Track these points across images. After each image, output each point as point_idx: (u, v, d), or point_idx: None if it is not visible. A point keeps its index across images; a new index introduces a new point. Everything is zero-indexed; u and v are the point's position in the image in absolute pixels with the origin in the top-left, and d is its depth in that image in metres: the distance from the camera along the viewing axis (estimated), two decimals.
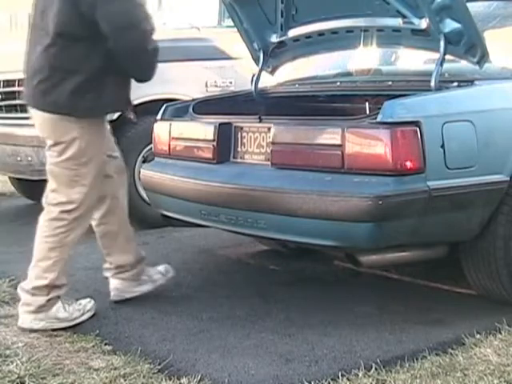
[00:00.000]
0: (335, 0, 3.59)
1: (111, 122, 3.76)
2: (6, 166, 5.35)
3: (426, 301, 3.42)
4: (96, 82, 3.07)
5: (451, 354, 2.79)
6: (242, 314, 3.30)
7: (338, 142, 2.98)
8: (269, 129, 3.30)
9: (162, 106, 3.93)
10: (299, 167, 3.14)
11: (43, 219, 3.19)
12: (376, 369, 2.66)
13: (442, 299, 3.44)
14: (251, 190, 3.21)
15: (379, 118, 2.92)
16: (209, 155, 3.53)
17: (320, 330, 3.09)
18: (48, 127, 3.18)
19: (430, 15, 3.22)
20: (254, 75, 4.11)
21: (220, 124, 3.52)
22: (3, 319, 3.25)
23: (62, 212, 3.14)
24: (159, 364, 2.74)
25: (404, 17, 3.37)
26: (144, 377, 2.64)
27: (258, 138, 3.40)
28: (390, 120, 2.91)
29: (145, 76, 3.21)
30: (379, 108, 2.97)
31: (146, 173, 3.89)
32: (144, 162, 4.75)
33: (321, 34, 3.82)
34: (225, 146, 3.50)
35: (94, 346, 2.93)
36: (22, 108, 5.14)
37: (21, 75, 5.07)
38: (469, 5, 3.24)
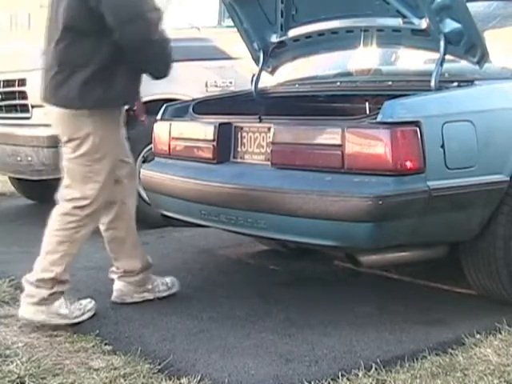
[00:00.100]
0: (335, 0, 3.60)
1: None
2: (5, 166, 5.35)
3: (426, 301, 3.42)
4: (105, 75, 3.08)
5: (451, 354, 2.79)
6: (242, 314, 3.30)
7: (338, 141, 2.98)
8: (269, 129, 3.30)
9: (161, 106, 3.93)
10: (299, 167, 3.14)
11: (56, 213, 3.21)
12: (376, 369, 2.66)
13: (442, 299, 3.44)
14: (251, 190, 3.22)
15: (379, 118, 2.92)
16: (209, 155, 3.53)
17: (320, 329, 3.09)
18: (62, 123, 3.21)
19: (430, 15, 3.22)
20: (253, 75, 4.11)
21: (220, 124, 3.52)
22: (3, 319, 3.25)
23: (75, 208, 3.16)
24: (159, 364, 2.74)
25: (404, 17, 3.37)
26: (144, 377, 2.64)
27: (258, 138, 3.40)
28: (390, 120, 2.91)
29: (158, 71, 3.20)
30: (379, 108, 2.97)
31: (146, 173, 3.89)
32: (144, 162, 4.75)
33: (321, 34, 3.82)
34: (225, 146, 3.50)
35: (94, 346, 2.93)
36: (22, 108, 5.15)
37: (21, 75, 5.13)
38: (469, 5, 3.24)
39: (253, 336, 3.03)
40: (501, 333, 2.97)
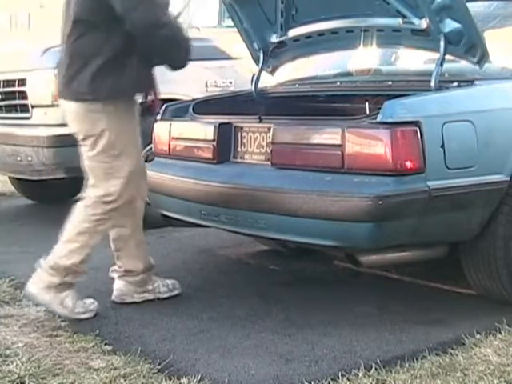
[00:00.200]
0: (335, 0, 3.60)
1: None
2: (5, 166, 5.35)
3: (425, 301, 3.42)
4: (116, 66, 3.09)
5: (451, 353, 2.79)
6: (242, 313, 3.30)
7: (338, 142, 2.98)
8: (269, 129, 3.30)
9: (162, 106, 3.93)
10: (299, 167, 3.14)
11: (80, 205, 3.24)
12: (376, 369, 2.66)
13: (442, 299, 3.44)
14: (251, 190, 3.22)
15: (379, 118, 2.92)
16: (209, 155, 3.53)
17: (320, 329, 3.09)
18: (77, 120, 3.21)
19: (430, 15, 3.23)
20: (253, 75, 4.11)
21: (220, 124, 3.52)
22: (3, 319, 3.24)
23: (100, 202, 3.19)
24: (159, 364, 2.73)
25: (404, 17, 3.37)
26: (144, 377, 2.64)
27: (258, 138, 3.40)
28: (390, 120, 2.91)
29: (173, 60, 3.20)
30: (379, 108, 2.97)
31: None
32: (144, 161, 4.74)
33: (321, 34, 3.82)
34: (225, 146, 3.50)
35: (94, 346, 2.93)
36: (22, 108, 5.15)
37: (21, 75, 5.13)
38: (469, 5, 3.24)
39: (253, 336, 3.03)
40: (501, 333, 2.97)
